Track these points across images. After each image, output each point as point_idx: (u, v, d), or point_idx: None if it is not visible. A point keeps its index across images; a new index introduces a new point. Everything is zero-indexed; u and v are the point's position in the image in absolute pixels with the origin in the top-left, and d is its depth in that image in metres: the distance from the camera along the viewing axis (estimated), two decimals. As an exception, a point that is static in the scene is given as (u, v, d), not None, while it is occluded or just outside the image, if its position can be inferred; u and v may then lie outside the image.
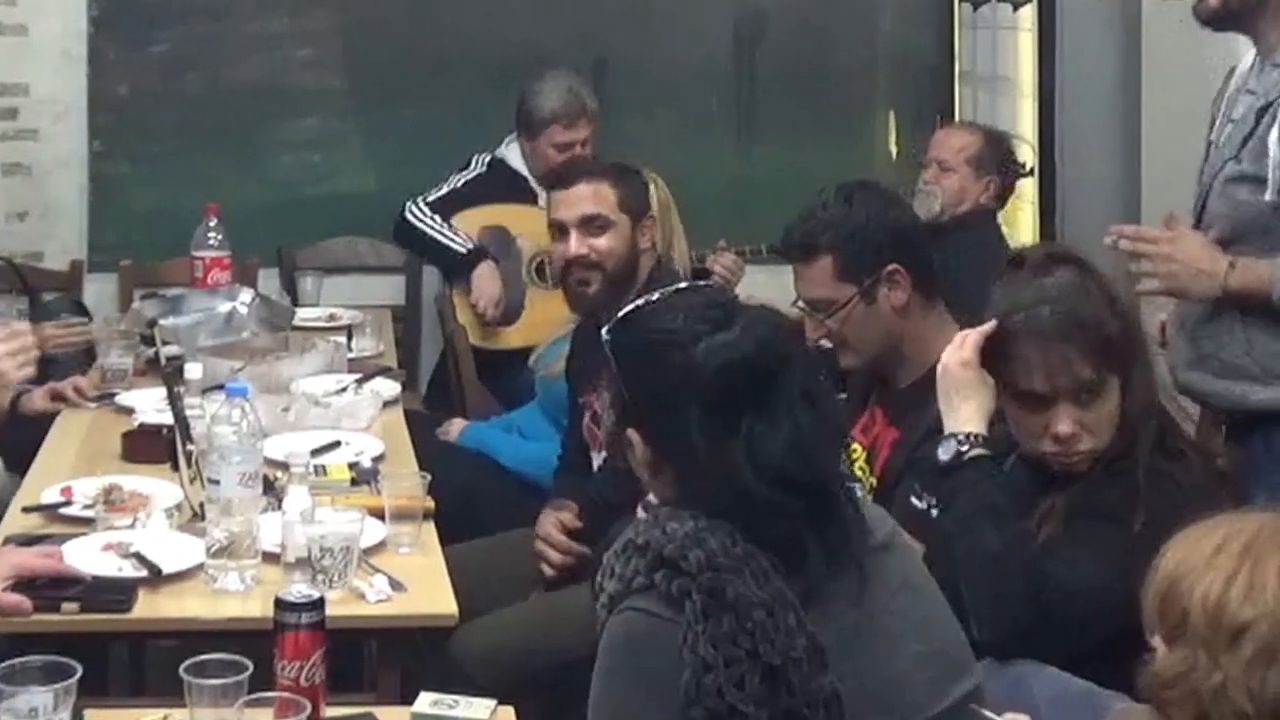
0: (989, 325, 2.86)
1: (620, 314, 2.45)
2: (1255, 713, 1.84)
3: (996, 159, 5.26)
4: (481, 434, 4.73)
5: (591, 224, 4.03)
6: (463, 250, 5.50)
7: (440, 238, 5.56)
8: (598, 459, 4.08)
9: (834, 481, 2.34)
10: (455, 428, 4.77)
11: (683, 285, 2.55)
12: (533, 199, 5.50)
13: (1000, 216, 5.37)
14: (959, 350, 2.89)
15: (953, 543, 2.80)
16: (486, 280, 5.44)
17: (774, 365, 2.29)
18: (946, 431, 2.88)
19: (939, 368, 2.93)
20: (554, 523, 3.90)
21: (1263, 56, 3.33)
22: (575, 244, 4.02)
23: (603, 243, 4.02)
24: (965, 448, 2.83)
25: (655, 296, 2.44)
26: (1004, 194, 5.31)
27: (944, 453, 2.86)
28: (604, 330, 2.46)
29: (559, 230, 4.08)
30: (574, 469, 4.17)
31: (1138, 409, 2.80)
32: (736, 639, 2.16)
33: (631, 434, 2.38)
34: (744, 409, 2.27)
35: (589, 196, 4.05)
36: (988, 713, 2.29)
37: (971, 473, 2.83)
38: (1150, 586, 1.96)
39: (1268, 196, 3.20)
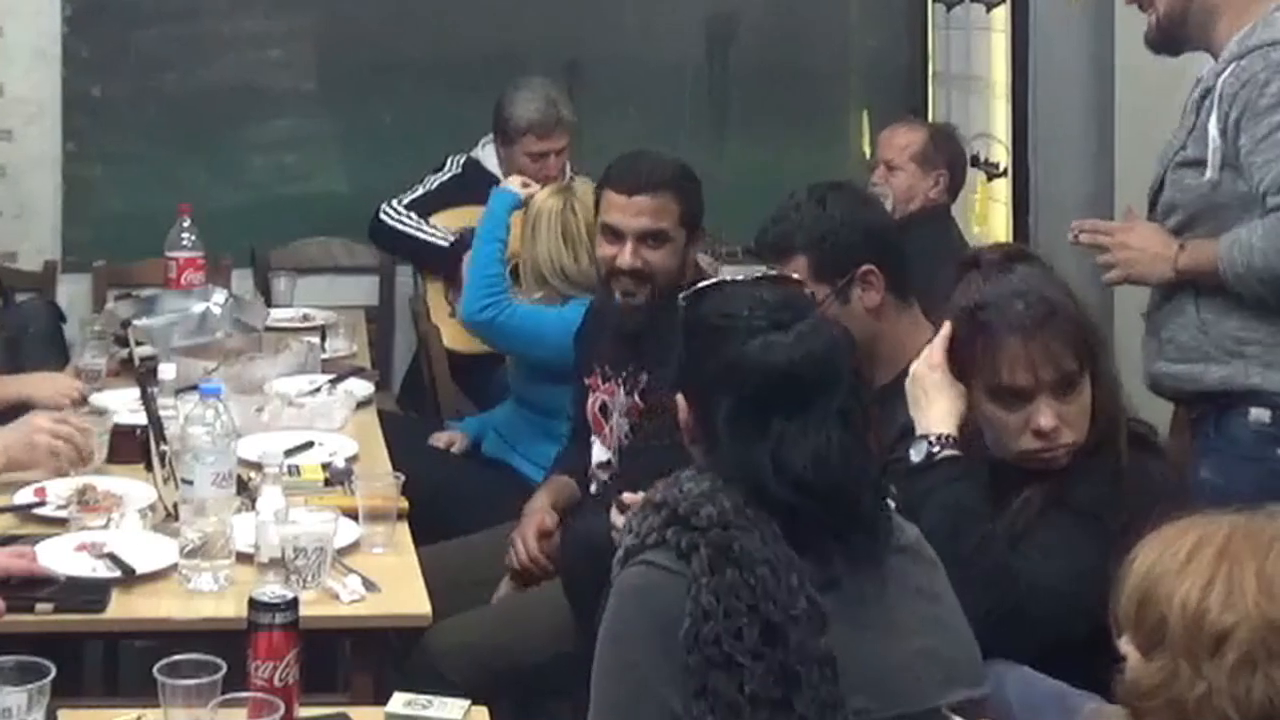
0: (946, 329, 2.87)
1: (701, 284, 2.51)
2: None
3: (944, 153, 5.25)
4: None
5: (649, 238, 3.83)
6: (445, 243, 5.49)
7: (419, 234, 5.56)
8: (600, 448, 3.99)
9: (862, 491, 2.37)
10: (447, 439, 4.77)
11: (772, 274, 2.62)
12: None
13: (954, 210, 5.38)
14: (925, 356, 2.90)
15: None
16: None
17: (817, 379, 2.35)
18: (918, 433, 2.87)
19: (909, 377, 2.93)
20: (534, 529, 3.87)
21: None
22: (630, 256, 3.81)
23: (657, 257, 3.82)
24: (936, 448, 2.82)
25: (740, 278, 2.51)
26: (955, 188, 5.31)
27: (915, 454, 2.84)
28: (680, 295, 2.53)
29: (613, 234, 3.86)
30: (582, 441, 4.08)
31: (1108, 401, 2.81)
32: (739, 592, 2.22)
33: (680, 398, 2.47)
34: (775, 413, 2.32)
35: (653, 210, 3.82)
36: (956, 717, 2.30)
37: (943, 473, 2.81)
38: (1122, 589, 1.92)
39: (1207, 175, 3.29)
